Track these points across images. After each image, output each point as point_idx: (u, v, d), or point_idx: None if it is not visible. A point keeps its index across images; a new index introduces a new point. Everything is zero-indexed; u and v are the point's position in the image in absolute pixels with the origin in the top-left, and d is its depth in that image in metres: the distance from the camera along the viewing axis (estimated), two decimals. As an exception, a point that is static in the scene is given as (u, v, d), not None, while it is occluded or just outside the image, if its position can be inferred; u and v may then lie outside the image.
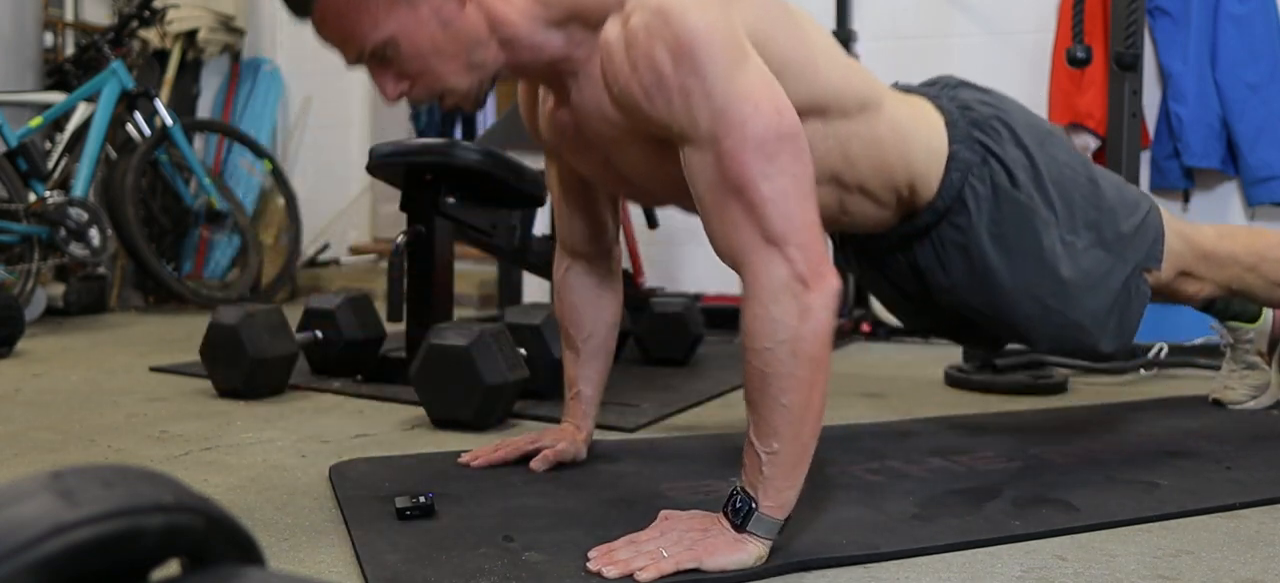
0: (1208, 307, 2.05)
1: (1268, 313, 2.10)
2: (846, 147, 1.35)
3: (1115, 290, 1.50)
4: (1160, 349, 2.56)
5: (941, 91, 1.52)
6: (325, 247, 4.88)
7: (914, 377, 2.66)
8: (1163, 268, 1.56)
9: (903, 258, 1.53)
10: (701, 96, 1.11)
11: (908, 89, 1.54)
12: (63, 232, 3.40)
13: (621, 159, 1.31)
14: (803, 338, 1.10)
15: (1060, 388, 2.41)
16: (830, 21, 3.36)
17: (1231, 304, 2.05)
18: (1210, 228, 1.69)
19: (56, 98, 3.71)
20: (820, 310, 1.11)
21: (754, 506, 1.14)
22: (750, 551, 1.14)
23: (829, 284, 1.12)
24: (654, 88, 1.14)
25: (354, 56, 1.23)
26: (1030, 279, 1.45)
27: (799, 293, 1.11)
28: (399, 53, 1.20)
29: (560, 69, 1.28)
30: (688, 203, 1.36)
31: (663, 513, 1.24)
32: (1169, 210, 3.27)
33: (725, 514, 1.17)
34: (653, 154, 1.24)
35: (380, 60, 1.22)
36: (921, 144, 1.42)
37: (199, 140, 4.67)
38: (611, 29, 1.18)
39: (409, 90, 1.24)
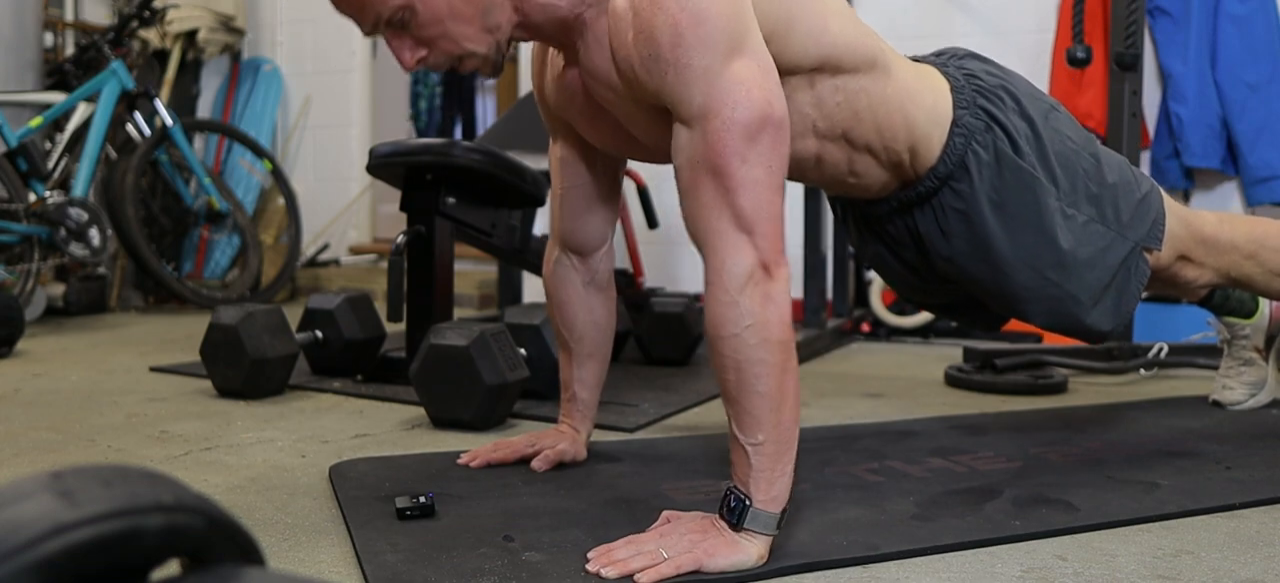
0: (1205, 302, 2.05)
1: (1264, 309, 2.09)
2: (855, 102, 1.36)
3: (1114, 267, 1.49)
4: (1160, 349, 2.56)
5: (949, 60, 1.53)
6: (325, 247, 4.88)
7: (914, 377, 2.66)
8: (1162, 249, 1.55)
9: (903, 224, 1.53)
10: (698, 74, 1.12)
11: (915, 59, 1.54)
12: (63, 232, 3.40)
13: (631, 122, 1.31)
14: (769, 323, 1.12)
15: (1060, 388, 2.41)
16: (830, 21, 3.36)
17: (1228, 300, 2.05)
18: (1211, 214, 1.69)
19: (56, 98, 3.71)
20: (780, 296, 1.14)
21: (748, 502, 1.14)
22: (750, 551, 1.14)
23: (785, 271, 1.15)
24: (651, 60, 1.15)
25: (370, 25, 1.24)
26: (1029, 249, 1.45)
27: (761, 280, 1.13)
28: (416, 18, 1.21)
29: (570, 28, 1.28)
30: None
31: (664, 514, 1.24)
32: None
33: (722, 515, 1.17)
34: (657, 119, 1.25)
35: (397, 27, 1.23)
36: (926, 108, 1.42)
37: (199, 140, 4.67)
38: None
39: (427, 57, 1.25)
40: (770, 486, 1.15)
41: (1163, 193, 1.60)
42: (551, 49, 1.41)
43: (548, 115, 1.50)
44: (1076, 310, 1.49)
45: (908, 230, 1.53)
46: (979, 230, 1.45)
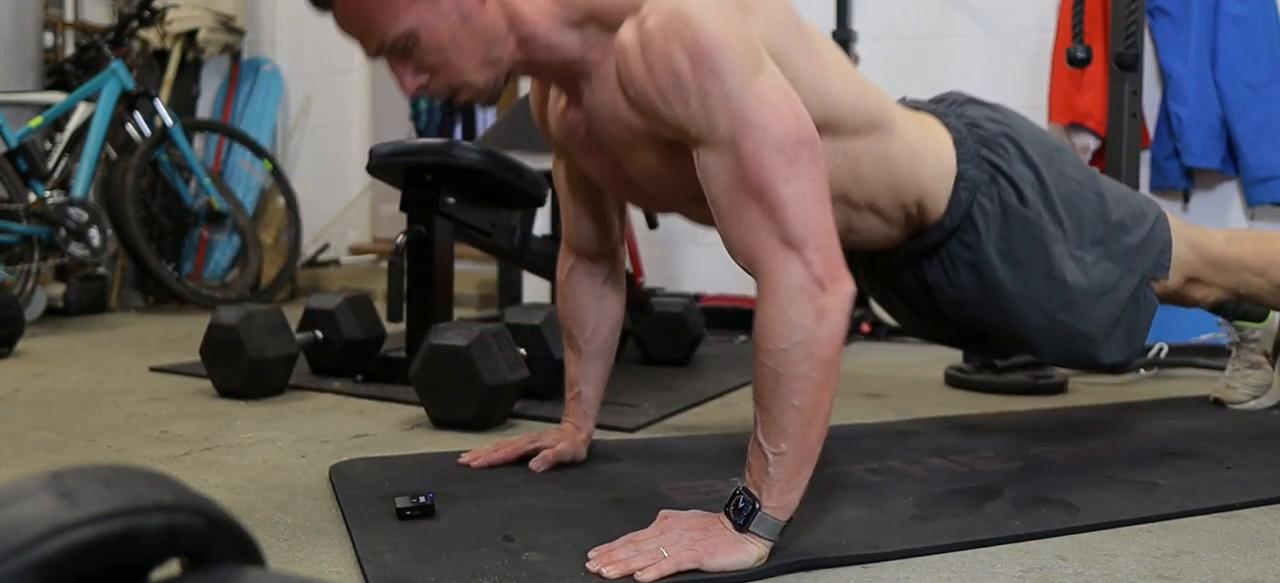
0: (1217, 307, 2.06)
1: (1275, 314, 2.10)
2: (856, 165, 1.36)
3: (1123, 301, 1.51)
4: (1160, 349, 2.56)
5: (949, 109, 1.53)
6: (325, 247, 4.88)
7: (914, 377, 2.65)
8: (1170, 276, 1.57)
9: (911, 273, 1.54)
10: (720, 99, 1.12)
11: (916, 105, 1.55)
12: (63, 232, 3.40)
13: (630, 162, 1.31)
14: (818, 340, 1.11)
15: (1060, 388, 2.41)
16: (830, 22, 3.35)
17: (1240, 304, 2.06)
18: (1219, 233, 1.69)
19: (56, 98, 3.71)
20: (836, 313, 1.12)
21: (757, 505, 1.14)
22: (751, 551, 1.14)
23: (845, 287, 1.13)
24: (671, 89, 1.14)
25: (374, 49, 1.25)
26: (1039, 294, 1.47)
27: (815, 295, 1.11)
28: (419, 45, 1.22)
29: (574, 70, 1.29)
30: (692, 211, 1.37)
31: (661, 513, 1.24)
32: (1171, 212, 3.24)
33: (727, 514, 1.17)
34: (662, 158, 1.25)
35: (400, 53, 1.24)
36: (931, 163, 1.43)
37: (199, 140, 4.67)
38: (627, 32, 1.19)
39: (427, 84, 1.26)
40: (784, 494, 1.14)
41: (1169, 217, 1.61)
42: (552, 85, 1.41)
43: (551, 140, 1.50)
44: (1088, 347, 1.51)
45: (916, 279, 1.54)
46: (989, 280, 1.47)
